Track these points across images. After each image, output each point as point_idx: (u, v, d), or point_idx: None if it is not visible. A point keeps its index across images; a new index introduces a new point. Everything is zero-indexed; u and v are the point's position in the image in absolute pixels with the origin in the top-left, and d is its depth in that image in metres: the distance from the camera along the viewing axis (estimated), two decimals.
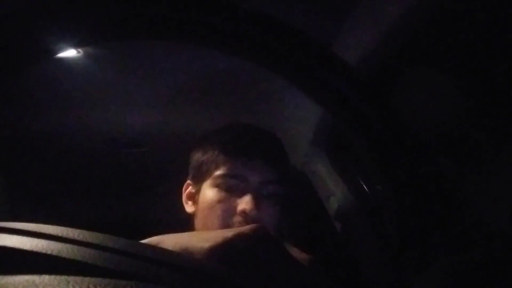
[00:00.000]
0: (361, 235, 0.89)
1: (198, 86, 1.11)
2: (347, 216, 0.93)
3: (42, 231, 0.30)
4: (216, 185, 0.69)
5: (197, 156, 0.74)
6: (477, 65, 0.60)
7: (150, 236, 0.79)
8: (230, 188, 0.68)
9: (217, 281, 0.30)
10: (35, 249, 0.28)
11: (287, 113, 1.18)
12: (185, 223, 0.76)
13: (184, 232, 0.75)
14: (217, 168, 0.70)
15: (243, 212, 0.65)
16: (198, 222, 0.72)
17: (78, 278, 0.25)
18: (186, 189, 0.78)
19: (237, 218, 0.66)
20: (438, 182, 0.47)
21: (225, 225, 0.66)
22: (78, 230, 0.31)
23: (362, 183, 0.96)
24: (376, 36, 0.71)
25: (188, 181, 0.77)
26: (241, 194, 0.67)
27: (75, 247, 0.29)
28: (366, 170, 0.91)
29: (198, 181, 0.73)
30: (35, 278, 0.25)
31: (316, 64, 0.44)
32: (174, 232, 0.80)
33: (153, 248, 0.32)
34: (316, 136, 1.07)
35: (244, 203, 0.66)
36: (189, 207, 0.76)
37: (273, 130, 1.04)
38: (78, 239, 0.30)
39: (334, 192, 0.98)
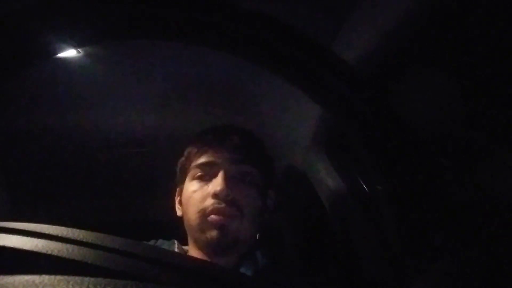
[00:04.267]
0: (361, 235, 0.89)
1: (198, 86, 1.11)
2: (347, 216, 0.93)
3: (42, 231, 0.30)
4: (193, 178, 0.72)
5: (180, 160, 0.79)
6: (477, 65, 0.60)
7: (150, 236, 0.80)
8: (204, 176, 0.71)
9: (217, 281, 0.30)
10: (35, 249, 0.28)
11: (286, 113, 1.18)
12: (183, 223, 0.76)
13: (182, 232, 0.76)
14: (191, 162, 0.74)
15: (215, 194, 0.67)
16: (184, 219, 0.74)
17: (78, 278, 0.25)
18: (177, 196, 0.80)
19: (210, 201, 0.68)
20: (438, 182, 0.47)
21: (201, 210, 0.68)
22: (78, 230, 0.31)
23: (362, 183, 0.96)
24: (376, 36, 0.71)
25: (178, 188, 0.80)
26: (213, 178, 0.70)
27: (75, 247, 0.29)
28: (366, 170, 0.91)
29: (181, 182, 0.77)
30: (35, 278, 0.25)
31: (316, 64, 0.44)
32: (173, 232, 0.81)
33: (153, 248, 0.32)
34: (316, 136, 1.07)
35: (216, 185, 0.68)
36: (179, 211, 0.78)
37: (273, 130, 1.04)
38: (78, 239, 0.30)
39: (334, 192, 0.98)
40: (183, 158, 0.77)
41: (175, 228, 0.78)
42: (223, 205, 0.67)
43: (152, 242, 0.78)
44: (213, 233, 0.67)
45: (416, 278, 0.42)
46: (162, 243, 0.78)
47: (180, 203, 0.78)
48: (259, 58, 0.45)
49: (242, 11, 0.41)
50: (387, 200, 0.46)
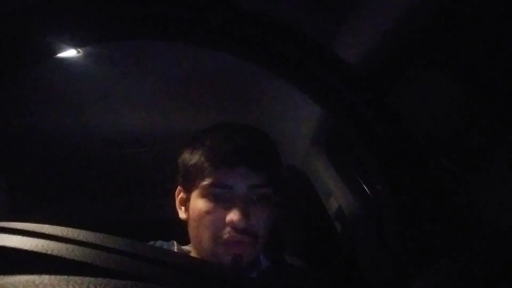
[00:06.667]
0: (361, 235, 0.89)
1: (199, 86, 1.11)
2: (347, 216, 0.93)
3: (42, 231, 0.30)
4: (204, 196, 0.69)
5: (184, 161, 0.74)
6: (477, 65, 0.60)
7: (150, 237, 0.79)
8: (218, 198, 0.68)
9: (217, 281, 0.30)
10: (35, 249, 0.28)
11: (286, 113, 1.18)
12: (183, 223, 0.76)
13: (182, 232, 0.75)
14: (203, 178, 0.69)
15: (231, 222, 0.65)
16: (191, 230, 0.72)
17: (78, 278, 0.25)
18: (178, 195, 0.77)
19: (226, 229, 0.66)
20: (438, 182, 0.47)
21: (215, 236, 0.66)
22: (78, 230, 0.31)
23: (362, 183, 0.96)
24: (376, 36, 0.71)
25: (179, 187, 0.77)
26: (229, 204, 0.67)
27: (75, 247, 0.29)
28: (366, 170, 0.91)
29: (188, 189, 0.73)
30: (35, 278, 0.25)
31: (316, 64, 0.44)
32: (173, 232, 0.79)
33: (153, 248, 0.32)
34: (316, 136, 1.07)
35: (232, 213, 0.65)
36: (182, 213, 0.75)
37: (273, 130, 1.04)
38: (78, 239, 0.30)
39: (334, 192, 0.98)
40: (191, 162, 0.72)
41: (174, 229, 0.77)
42: (239, 235, 0.65)
43: (151, 243, 0.77)
44: (227, 260, 0.66)
45: (416, 278, 0.42)
46: (162, 244, 0.77)
47: (182, 204, 0.75)
48: (259, 58, 0.45)
49: (242, 11, 0.41)
50: (387, 200, 0.46)
